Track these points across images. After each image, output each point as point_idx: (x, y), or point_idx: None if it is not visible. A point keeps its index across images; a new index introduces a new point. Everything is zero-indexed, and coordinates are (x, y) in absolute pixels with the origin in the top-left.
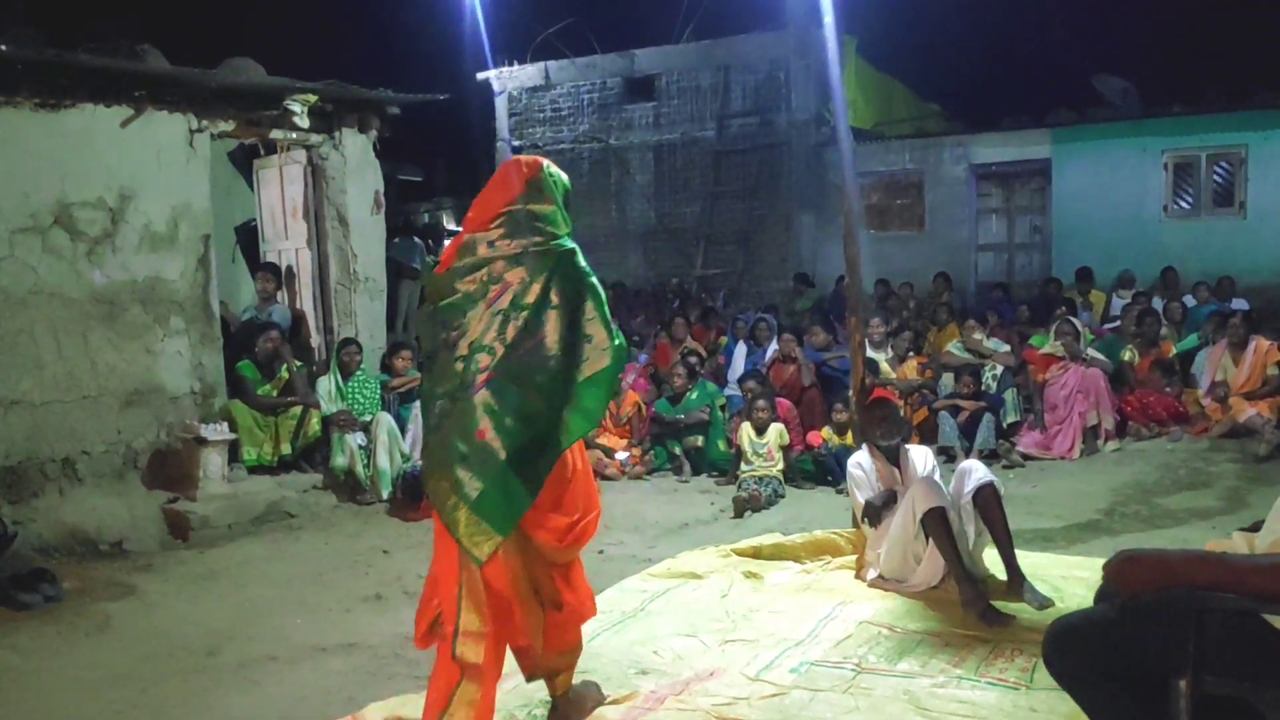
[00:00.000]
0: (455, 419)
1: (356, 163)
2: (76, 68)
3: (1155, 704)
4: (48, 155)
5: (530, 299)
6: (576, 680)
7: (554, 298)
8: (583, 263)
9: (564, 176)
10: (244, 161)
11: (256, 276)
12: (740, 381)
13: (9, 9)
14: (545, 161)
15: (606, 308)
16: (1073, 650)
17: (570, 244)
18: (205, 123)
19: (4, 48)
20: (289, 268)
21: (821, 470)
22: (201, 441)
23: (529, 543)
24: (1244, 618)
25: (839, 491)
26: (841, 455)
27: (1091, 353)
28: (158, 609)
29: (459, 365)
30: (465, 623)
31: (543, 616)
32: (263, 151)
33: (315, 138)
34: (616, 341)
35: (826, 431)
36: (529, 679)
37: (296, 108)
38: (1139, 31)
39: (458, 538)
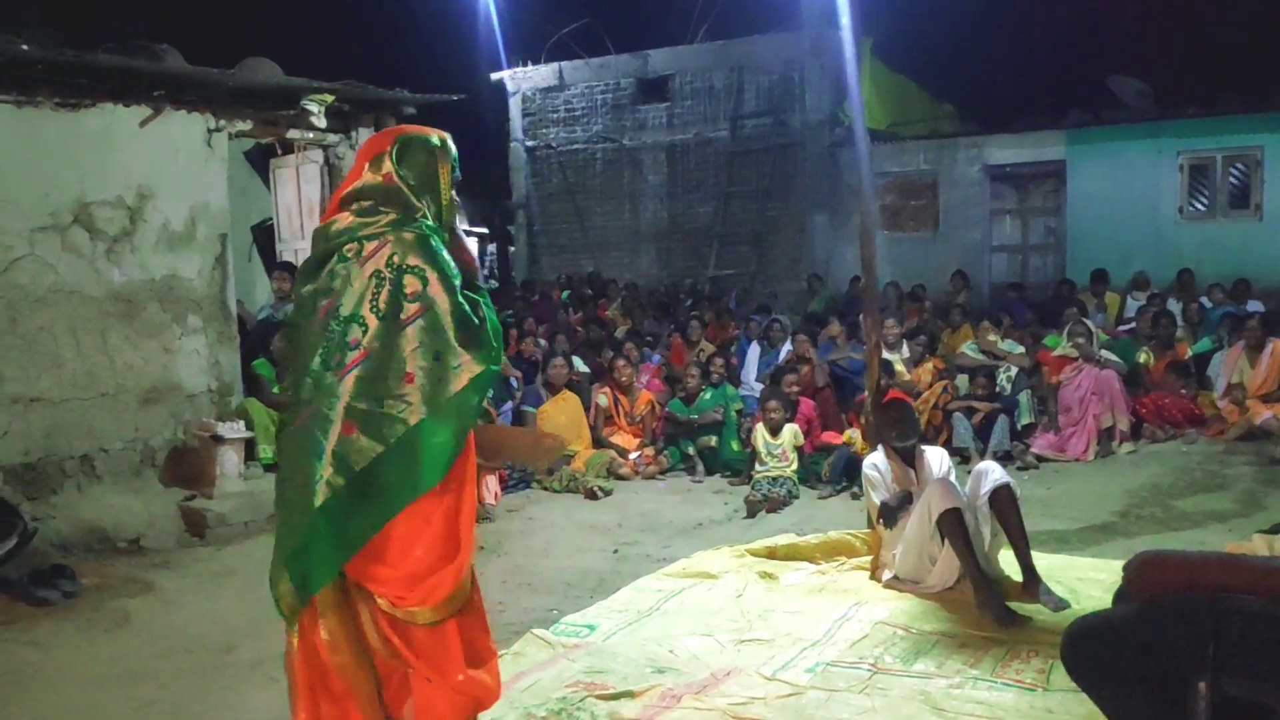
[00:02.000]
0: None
1: None
2: (96, 68)
3: (1174, 706)
4: (67, 154)
5: (361, 308)
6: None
7: (382, 305)
8: (432, 246)
9: (434, 143)
10: (260, 161)
11: (273, 275)
12: (776, 378)
13: (27, 9)
14: (404, 132)
15: (459, 300)
16: (1092, 651)
17: (417, 226)
18: (223, 122)
19: (25, 48)
20: None
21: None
22: (218, 439)
23: (368, 597)
24: (1264, 620)
25: (853, 496)
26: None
27: (1105, 354)
28: (175, 606)
29: (292, 380)
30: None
31: (375, 690)
32: (279, 151)
33: (332, 137)
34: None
35: (849, 435)
36: None
37: (313, 107)
38: (1154, 32)
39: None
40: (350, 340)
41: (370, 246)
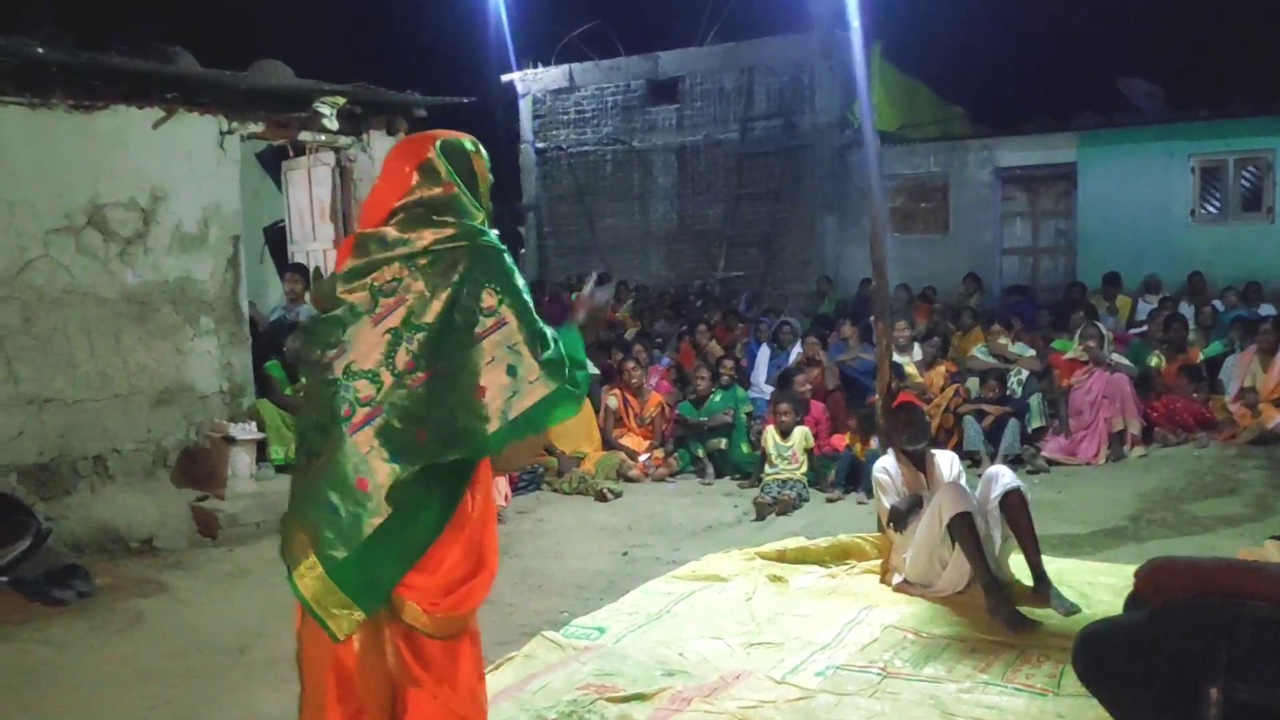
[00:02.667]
0: (327, 460)
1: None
2: (109, 70)
3: (1186, 712)
4: (81, 156)
5: (429, 318)
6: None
7: (458, 318)
8: (506, 262)
9: (469, 148)
10: (272, 163)
11: (284, 277)
12: (785, 379)
13: (40, 11)
14: (440, 137)
15: (534, 316)
16: (1103, 656)
17: (489, 238)
18: (235, 124)
19: (39, 50)
20: (317, 269)
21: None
22: (230, 440)
23: (392, 610)
24: (1276, 626)
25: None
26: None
27: (1116, 358)
28: (188, 606)
29: (330, 391)
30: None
31: (390, 704)
32: (291, 153)
33: (343, 139)
34: (547, 357)
35: (850, 437)
36: None
37: (325, 110)
38: (1165, 34)
39: (309, 605)
40: (422, 348)
41: (444, 261)
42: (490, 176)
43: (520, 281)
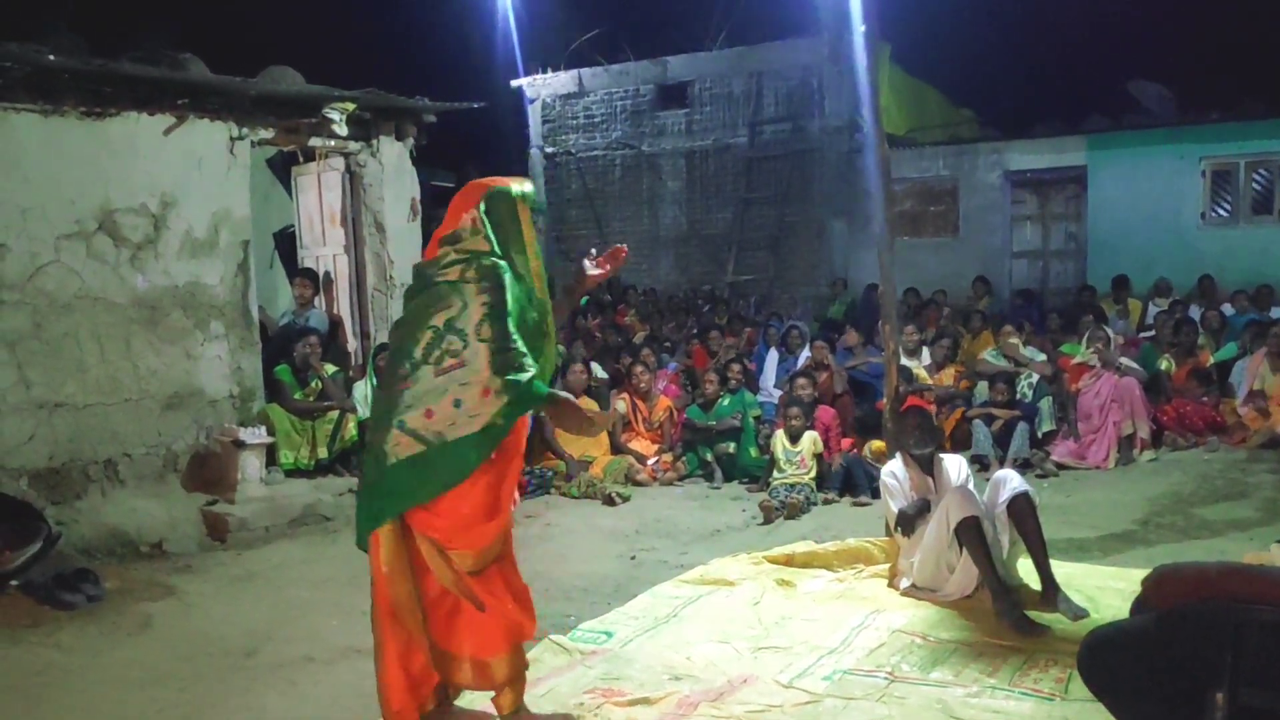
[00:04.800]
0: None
1: (393, 170)
2: (120, 77)
3: (1192, 717)
4: (92, 162)
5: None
6: (539, 708)
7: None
8: (502, 280)
9: (515, 194)
10: (282, 168)
11: (294, 282)
12: (794, 378)
13: (54, 19)
14: (491, 188)
15: (507, 341)
16: (1109, 661)
17: (489, 260)
18: (246, 130)
19: (51, 57)
20: (326, 273)
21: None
22: (240, 445)
23: (423, 542)
24: None
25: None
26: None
27: (1125, 361)
28: (197, 609)
29: (429, 335)
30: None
31: (422, 617)
32: (301, 159)
33: (353, 145)
34: (508, 379)
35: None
36: (452, 688)
37: (335, 116)
38: (1176, 37)
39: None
40: (448, 347)
41: (469, 277)
42: (538, 222)
43: (505, 295)
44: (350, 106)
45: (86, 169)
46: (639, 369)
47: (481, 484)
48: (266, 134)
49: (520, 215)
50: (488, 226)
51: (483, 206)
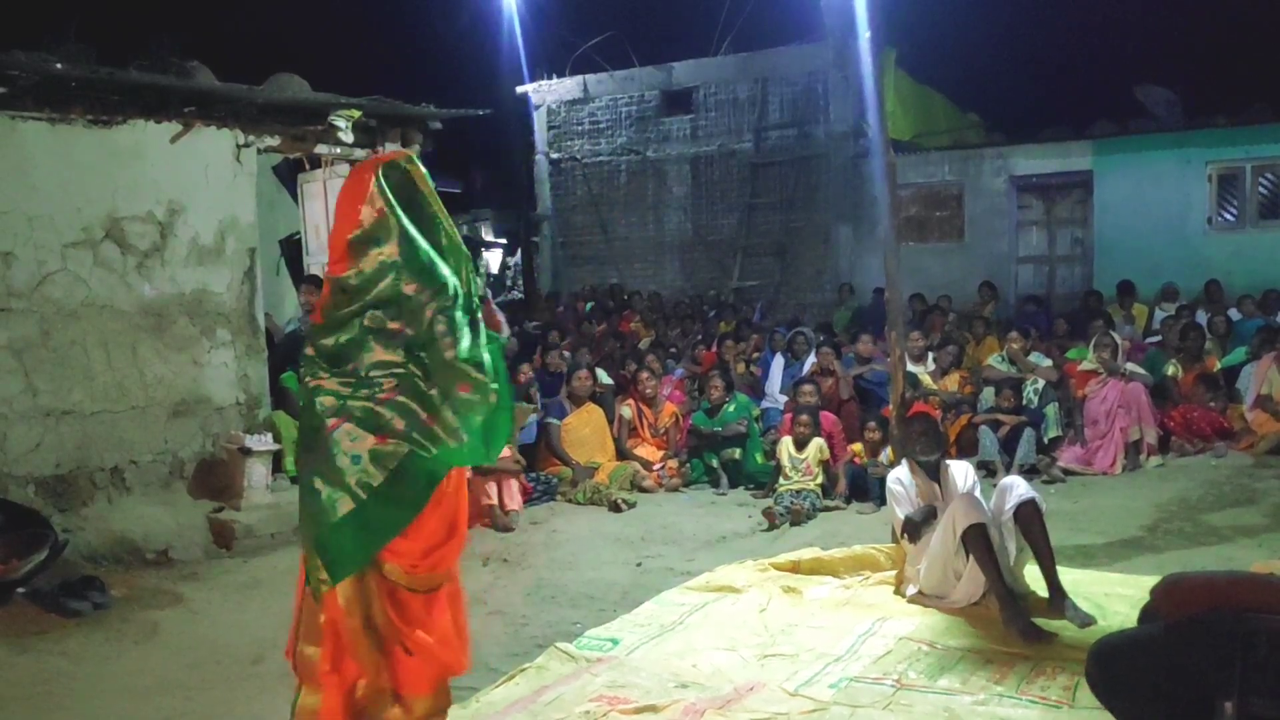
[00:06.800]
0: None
1: None
2: (127, 85)
3: None
4: (99, 170)
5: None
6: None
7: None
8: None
9: (403, 164)
10: (288, 175)
11: (300, 289)
12: (798, 385)
13: (62, 28)
14: (378, 166)
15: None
16: (1117, 669)
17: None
18: (252, 138)
19: (59, 66)
20: None
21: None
22: (246, 452)
23: (376, 568)
24: None
25: (859, 512)
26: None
27: (1131, 367)
28: (203, 617)
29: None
30: (302, 634)
31: (379, 654)
32: (307, 166)
33: (359, 152)
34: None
35: (858, 447)
36: None
37: (341, 123)
38: (1182, 41)
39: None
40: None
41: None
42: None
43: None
44: (356, 114)
45: (94, 177)
46: (644, 375)
47: (446, 500)
48: (273, 141)
49: (420, 184)
50: (397, 212)
51: (384, 187)
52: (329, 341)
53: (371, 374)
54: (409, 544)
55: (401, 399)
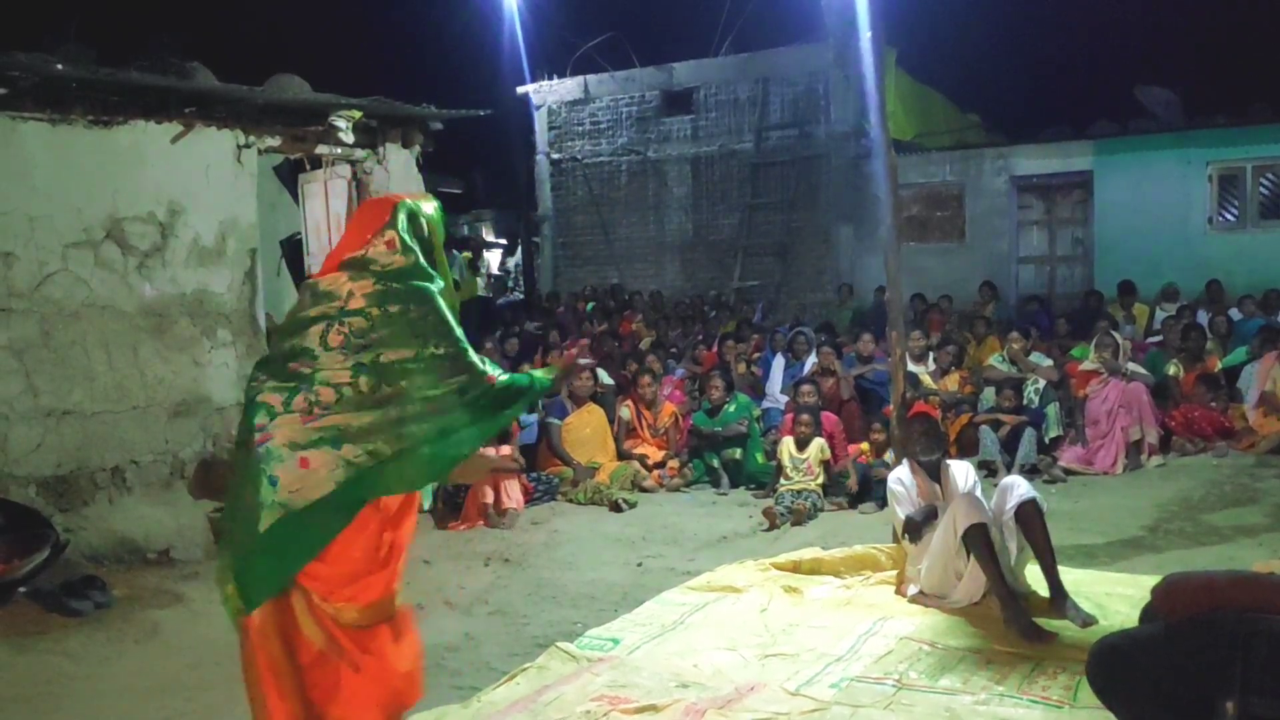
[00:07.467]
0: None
1: (400, 177)
2: (128, 86)
3: None
4: (100, 171)
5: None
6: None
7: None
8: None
9: (428, 214)
10: (289, 176)
11: (301, 289)
12: (798, 385)
13: (62, 28)
14: (403, 202)
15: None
16: (1118, 669)
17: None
18: (252, 138)
19: (59, 67)
20: None
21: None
22: None
23: (302, 589)
24: None
25: (860, 512)
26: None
27: (1132, 366)
28: (204, 617)
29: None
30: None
31: (299, 683)
32: (308, 166)
33: (359, 153)
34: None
35: (865, 446)
36: None
37: (341, 123)
38: (1182, 41)
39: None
40: (320, 392)
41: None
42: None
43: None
44: (356, 114)
45: (94, 177)
46: (645, 379)
47: (375, 522)
48: (273, 142)
49: (433, 238)
50: (412, 243)
51: (402, 223)
52: (285, 345)
53: (316, 388)
54: (327, 569)
55: (335, 419)
